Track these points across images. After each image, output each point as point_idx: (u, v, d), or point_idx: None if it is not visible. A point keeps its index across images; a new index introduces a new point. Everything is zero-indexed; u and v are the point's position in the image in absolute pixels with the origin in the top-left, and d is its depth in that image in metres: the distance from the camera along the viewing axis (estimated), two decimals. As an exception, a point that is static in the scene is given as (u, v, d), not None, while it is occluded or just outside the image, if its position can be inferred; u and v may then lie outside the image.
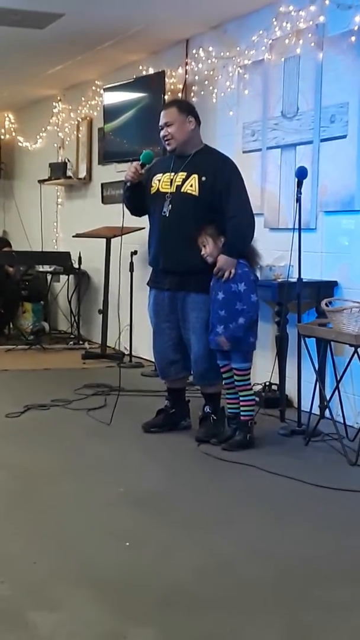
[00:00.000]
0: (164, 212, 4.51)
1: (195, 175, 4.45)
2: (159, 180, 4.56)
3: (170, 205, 4.49)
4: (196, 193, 4.44)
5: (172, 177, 4.52)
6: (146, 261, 6.90)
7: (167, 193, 4.51)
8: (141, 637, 2.43)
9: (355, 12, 4.72)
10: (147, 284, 4.78)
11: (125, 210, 4.74)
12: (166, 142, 4.58)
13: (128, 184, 4.61)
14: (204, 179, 4.44)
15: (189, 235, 4.41)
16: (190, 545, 3.13)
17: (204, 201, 4.42)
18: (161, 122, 4.58)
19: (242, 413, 4.48)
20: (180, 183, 4.48)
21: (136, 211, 4.79)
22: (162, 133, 4.58)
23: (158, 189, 4.55)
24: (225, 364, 4.48)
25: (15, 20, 6.18)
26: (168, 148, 4.60)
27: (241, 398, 4.48)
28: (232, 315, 4.36)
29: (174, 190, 4.49)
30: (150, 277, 4.76)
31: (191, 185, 4.45)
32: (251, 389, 4.54)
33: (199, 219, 4.41)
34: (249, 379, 4.50)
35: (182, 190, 4.46)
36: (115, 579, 2.80)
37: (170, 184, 4.51)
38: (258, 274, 4.64)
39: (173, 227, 4.48)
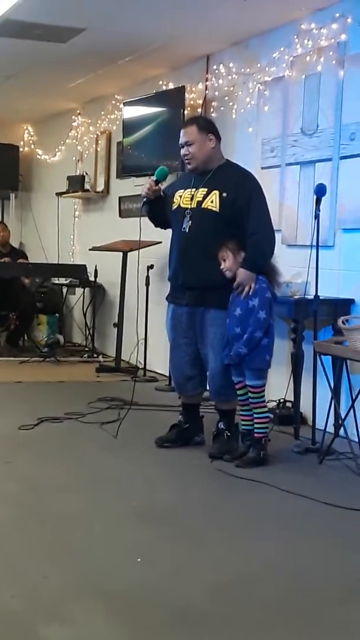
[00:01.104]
0: (184, 228, 4.51)
1: (217, 192, 4.45)
2: (180, 196, 4.57)
3: (190, 221, 4.49)
4: (217, 209, 4.43)
5: (192, 192, 4.52)
6: (162, 275, 6.92)
7: (187, 209, 4.51)
8: (152, 655, 2.41)
9: (377, 31, 4.73)
10: (166, 298, 4.78)
11: (148, 222, 4.75)
12: (187, 161, 4.58)
13: (145, 199, 4.62)
14: (225, 194, 4.43)
15: (209, 251, 4.40)
16: (202, 562, 3.11)
17: (225, 217, 4.42)
18: (181, 141, 4.58)
19: (256, 430, 4.46)
20: (201, 199, 4.48)
21: (159, 224, 4.81)
22: (182, 152, 4.58)
23: (179, 204, 4.56)
24: (239, 381, 4.46)
25: (38, 34, 6.23)
26: (189, 167, 4.60)
27: (255, 415, 4.45)
28: (245, 332, 4.35)
29: (195, 206, 4.49)
30: (169, 292, 4.75)
31: (212, 201, 4.45)
32: (265, 406, 4.52)
33: (219, 235, 4.40)
34: (263, 396, 4.48)
35: (202, 206, 4.46)
36: (127, 595, 2.78)
37: (191, 200, 4.51)
38: (277, 292, 4.61)
39: (193, 242, 4.48)
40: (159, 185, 4.60)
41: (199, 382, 4.71)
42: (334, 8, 5.17)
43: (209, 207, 4.45)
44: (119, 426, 4.84)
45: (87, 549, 3.20)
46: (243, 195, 4.43)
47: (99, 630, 2.53)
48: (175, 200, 4.59)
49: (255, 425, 4.46)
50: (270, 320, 4.41)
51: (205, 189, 4.49)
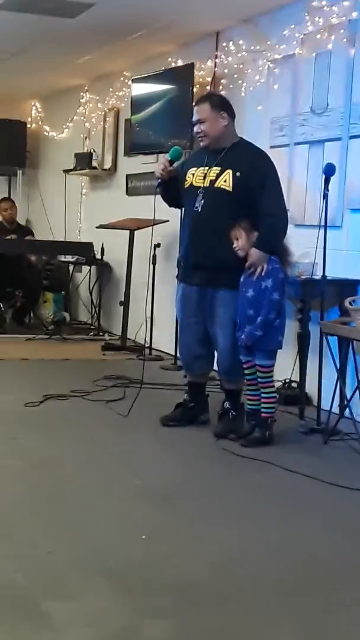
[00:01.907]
0: (197, 207, 4.48)
1: (230, 171, 4.42)
2: (193, 175, 4.54)
3: (202, 200, 4.46)
4: (230, 188, 4.40)
5: (206, 171, 4.49)
6: (169, 254, 6.90)
7: (200, 187, 4.48)
8: (155, 630, 2.42)
9: (389, 9, 4.67)
10: (176, 277, 4.76)
11: (161, 204, 4.72)
12: (199, 139, 4.56)
13: (159, 180, 4.60)
14: (238, 174, 4.40)
15: (221, 230, 4.38)
16: (206, 540, 3.12)
17: (238, 196, 4.38)
18: (194, 119, 4.55)
19: (262, 410, 4.45)
20: (214, 178, 4.45)
21: (173, 203, 4.79)
22: (195, 129, 4.56)
23: (192, 183, 4.53)
24: (248, 360, 4.45)
25: (47, 8, 6.18)
26: (202, 144, 4.57)
27: (263, 395, 4.45)
28: (259, 314, 4.34)
29: (208, 185, 4.46)
30: (179, 271, 4.74)
31: (225, 181, 4.42)
32: (273, 386, 4.51)
33: (232, 215, 4.37)
34: (272, 376, 4.47)
35: (215, 185, 4.43)
36: (131, 571, 2.79)
37: (204, 178, 4.48)
38: (288, 272, 4.60)
39: (205, 222, 4.45)
40: (174, 165, 4.57)
41: (207, 362, 4.71)
42: (346, -15, 5.11)
43: (222, 187, 4.42)
44: (132, 406, 4.83)
45: (91, 526, 3.21)
46: (257, 175, 4.40)
47: (101, 606, 2.54)
48: (187, 178, 4.56)
49: (263, 405, 4.45)
50: (283, 301, 4.40)
51: (219, 168, 4.46)
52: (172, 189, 4.64)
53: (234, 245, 4.38)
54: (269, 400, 4.46)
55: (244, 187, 4.39)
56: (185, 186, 4.58)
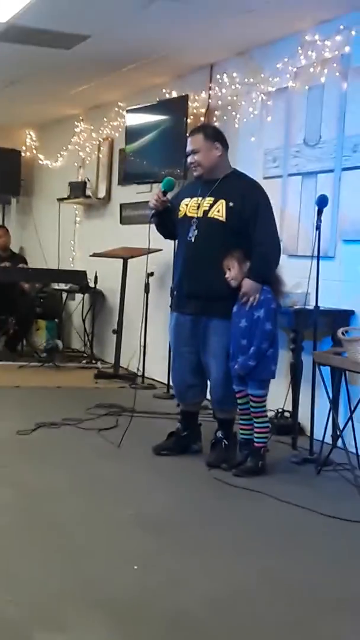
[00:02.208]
0: (190, 237, 4.52)
1: (223, 201, 4.46)
2: (187, 205, 4.58)
3: (196, 231, 4.50)
4: (223, 218, 4.44)
5: (199, 201, 4.53)
6: (162, 283, 6.93)
7: (193, 218, 4.52)
8: (148, 664, 2.41)
9: (381, 44, 4.74)
10: (170, 306, 4.78)
11: (155, 233, 4.76)
12: (193, 169, 4.60)
13: (153, 211, 4.63)
14: (231, 204, 4.44)
15: (215, 260, 4.41)
16: (199, 572, 3.10)
17: (231, 227, 4.42)
18: (188, 149, 4.61)
19: (255, 440, 4.46)
20: (207, 208, 4.49)
21: (168, 235, 4.82)
22: (188, 159, 4.61)
23: (185, 213, 4.57)
24: (241, 389, 4.46)
25: (43, 40, 6.25)
26: (195, 174, 4.62)
27: (256, 424, 4.46)
28: (252, 344, 4.36)
29: (201, 215, 4.50)
30: (173, 300, 4.76)
31: (218, 211, 4.46)
32: (266, 416, 4.52)
33: (225, 245, 4.40)
34: (265, 405, 4.48)
35: (209, 215, 4.47)
36: (123, 603, 2.78)
37: (198, 209, 4.52)
38: (281, 302, 4.62)
39: (199, 252, 4.49)
40: (167, 196, 4.61)
41: (200, 391, 4.72)
42: (338, 20, 5.19)
43: (216, 217, 4.46)
44: (123, 435, 4.81)
45: (84, 556, 3.19)
46: (250, 205, 4.44)
47: (93, 638, 2.53)
48: (181, 208, 4.60)
49: (255, 435, 4.46)
50: (275, 331, 4.42)
51: (212, 198, 4.50)
52: (167, 220, 4.67)
53: (227, 275, 4.41)
54: (262, 430, 4.46)
55: (237, 218, 4.43)
56: (179, 216, 4.61)
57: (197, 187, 4.63)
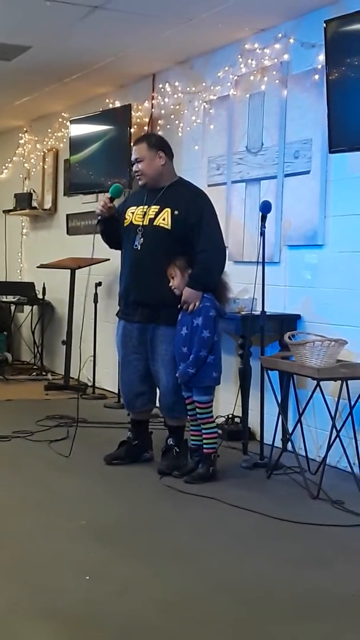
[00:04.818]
0: (136, 245, 4.52)
1: (168, 209, 4.48)
2: (132, 213, 4.59)
3: (142, 239, 4.51)
4: (168, 227, 4.46)
5: (145, 210, 4.55)
6: (110, 292, 6.92)
7: (139, 226, 4.53)
8: (100, 673, 2.40)
9: (318, 51, 4.81)
10: (117, 315, 4.77)
11: (99, 239, 4.75)
12: (138, 177, 4.62)
13: (99, 217, 4.63)
14: (176, 212, 4.46)
15: (161, 268, 4.42)
16: (151, 579, 3.10)
17: (176, 234, 4.44)
18: (132, 158, 4.65)
19: (204, 445, 4.47)
20: (153, 216, 4.50)
21: (113, 244, 4.81)
22: (133, 168, 4.65)
23: (131, 221, 4.58)
24: (189, 396, 4.48)
25: (-18, 51, 6.22)
26: (140, 183, 4.64)
27: (204, 430, 4.47)
28: (192, 352, 4.37)
29: (147, 223, 4.51)
30: (119, 308, 4.75)
31: (164, 219, 4.47)
32: (214, 422, 4.53)
33: (170, 253, 4.42)
34: (211, 411, 4.50)
35: (154, 223, 4.48)
36: (75, 613, 2.77)
37: (143, 217, 4.53)
38: (226, 308, 4.63)
39: (145, 260, 4.50)
40: (114, 202, 4.62)
41: (149, 399, 4.72)
42: (276, 29, 5.26)
43: (161, 225, 4.48)
44: (72, 446, 4.80)
45: (35, 567, 3.17)
46: (194, 213, 4.47)
47: (46, 650, 2.51)
48: (127, 216, 4.61)
49: (204, 441, 4.47)
50: (215, 338, 4.43)
51: (158, 207, 4.52)
52: (112, 228, 4.68)
53: (170, 284, 4.42)
54: (210, 435, 4.48)
55: (182, 226, 4.45)
56: (125, 224, 4.62)
57: (143, 195, 4.65)
